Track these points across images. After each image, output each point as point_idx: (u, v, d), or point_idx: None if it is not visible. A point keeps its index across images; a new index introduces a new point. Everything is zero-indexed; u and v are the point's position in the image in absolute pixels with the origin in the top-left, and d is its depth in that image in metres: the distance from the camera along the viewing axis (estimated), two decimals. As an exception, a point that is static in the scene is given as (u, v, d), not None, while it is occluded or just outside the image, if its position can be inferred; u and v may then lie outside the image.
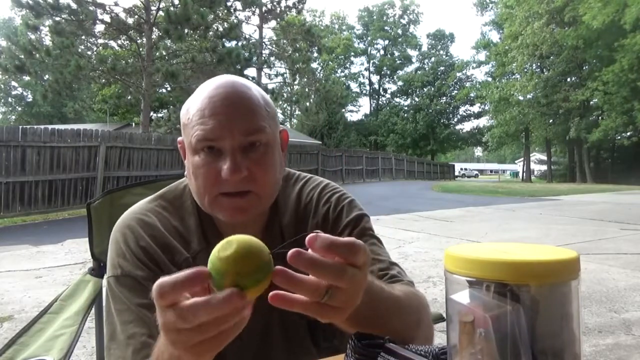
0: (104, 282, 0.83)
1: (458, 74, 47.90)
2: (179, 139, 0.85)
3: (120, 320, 0.74)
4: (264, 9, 23.87)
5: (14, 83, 38.01)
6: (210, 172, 0.75)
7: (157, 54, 16.91)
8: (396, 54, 51.35)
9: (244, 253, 0.47)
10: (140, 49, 16.00)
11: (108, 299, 0.79)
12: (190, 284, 0.47)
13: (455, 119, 49.62)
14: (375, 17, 50.99)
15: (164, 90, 19.39)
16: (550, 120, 33.86)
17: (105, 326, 0.77)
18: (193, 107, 0.77)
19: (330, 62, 48.02)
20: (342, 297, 0.51)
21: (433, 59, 50.39)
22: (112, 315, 0.76)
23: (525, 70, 33.59)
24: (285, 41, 24.33)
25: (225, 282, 0.46)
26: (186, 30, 14.82)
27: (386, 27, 50.80)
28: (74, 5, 13.68)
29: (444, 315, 0.51)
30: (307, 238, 0.48)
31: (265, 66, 25.26)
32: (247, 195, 0.76)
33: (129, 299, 0.75)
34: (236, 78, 0.81)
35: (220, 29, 17.94)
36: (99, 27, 16.09)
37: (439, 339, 0.73)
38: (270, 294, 0.48)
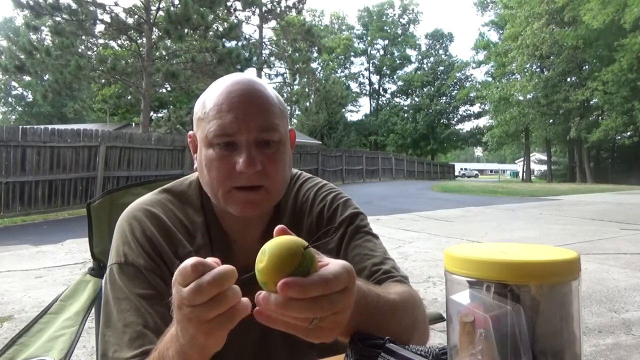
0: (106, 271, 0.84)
1: (458, 74, 47.89)
2: (190, 132, 0.86)
3: (118, 308, 0.75)
4: (264, 9, 23.85)
5: (14, 83, 37.99)
6: (225, 165, 0.77)
7: (157, 54, 16.91)
8: (396, 53, 51.33)
9: (277, 261, 0.49)
10: (140, 49, 15.99)
11: (107, 286, 0.79)
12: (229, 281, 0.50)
13: (455, 119, 49.66)
14: (374, 17, 50.95)
15: (164, 90, 19.42)
16: (550, 120, 33.85)
17: (102, 312, 0.78)
18: (209, 101, 0.79)
19: (330, 62, 47.98)
20: (330, 319, 0.52)
21: (432, 58, 50.40)
22: (109, 302, 0.77)
23: (525, 70, 33.57)
24: (285, 41, 24.32)
25: (270, 289, 0.49)
26: (186, 30, 14.80)
27: (386, 27, 50.77)
28: (74, 5, 13.68)
29: (444, 315, 0.51)
30: (278, 286, 0.48)
31: (265, 66, 25.24)
32: (259, 190, 0.78)
33: (128, 287, 0.76)
34: (252, 76, 0.83)
35: (220, 29, 17.91)
36: (99, 27, 16.12)
37: (439, 339, 0.73)
38: (255, 310, 0.51)
